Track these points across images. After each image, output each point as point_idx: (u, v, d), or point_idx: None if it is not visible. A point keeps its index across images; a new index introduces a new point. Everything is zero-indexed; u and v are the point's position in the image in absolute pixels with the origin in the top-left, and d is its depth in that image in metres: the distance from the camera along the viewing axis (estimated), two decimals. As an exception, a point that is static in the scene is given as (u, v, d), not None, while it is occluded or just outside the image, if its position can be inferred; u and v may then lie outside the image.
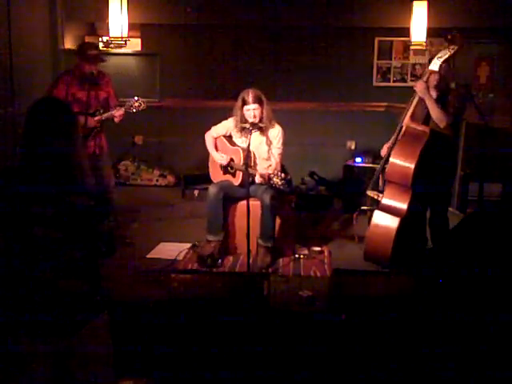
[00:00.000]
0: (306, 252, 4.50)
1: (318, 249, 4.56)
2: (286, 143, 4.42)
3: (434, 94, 4.03)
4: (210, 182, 4.67)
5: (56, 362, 2.07)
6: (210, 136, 4.57)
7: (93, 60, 4.50)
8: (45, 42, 6.09)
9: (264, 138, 4.35)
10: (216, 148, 4.56)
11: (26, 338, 2.02)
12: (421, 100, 4.02)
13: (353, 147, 6.61)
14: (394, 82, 6.55)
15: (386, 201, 4.06)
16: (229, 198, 4.37)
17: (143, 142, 6.76)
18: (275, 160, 4.34)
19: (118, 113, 4.55)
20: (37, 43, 5.92)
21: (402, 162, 3.97)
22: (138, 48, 6.72)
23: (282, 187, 3.98)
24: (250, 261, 3.85)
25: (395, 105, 5.98)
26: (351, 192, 5.70)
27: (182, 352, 3.02)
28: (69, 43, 6.45)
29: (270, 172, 4.08)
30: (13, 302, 2.01)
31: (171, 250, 4.49)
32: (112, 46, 5.40)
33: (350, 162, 6.11)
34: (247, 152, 4.00)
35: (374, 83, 6.58)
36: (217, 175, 4.59)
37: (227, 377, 2.94)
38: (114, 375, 2.30)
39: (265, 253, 4.24)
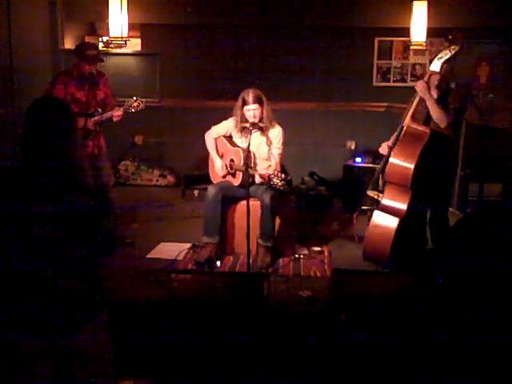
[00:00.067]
0: (305, 252, 4.50)
1: (317, 249, 4.57)
2: (285, 143, 4.43)
3: (434, 94, 4.03)
4: (209, 181, 4.68)
5: (56, 362, 2.07)
6: (210, 136, 4.57)
7: (92, 60, 4.49)
8: (45, 42, 6.08)
9: (264, 138, 4.35)
10: (216, 148, 4.56)
11: (26, 338, 2.03)
12: (421, 100, 4.02)
13: (353, 147, 6.60)
14: (393, 82, 6.55)
15: (385, 201, 4.06)
16: (229, 198, 4.38)
17: (143, 142, 6.75)
18: (275, 160, 4.34)
19: (116, 113, 4.55)
20: (37, 43, 5.92)
21: (401, 163, 3.97)
22: (138, 48, 6.72)
23: (281, 187, 3.98)
24: (250, 261, 3.85)
25: (395, 105, 5.98)
26: (351, 192, 5.70)
27: (182, 352, 3.02)
28: (69, 43, 6.44)
29: (270, 172, 4.08)
30: (13, 301, 2.01)
31: (171, 249, 4.50)
32: (112, 45, 5.40)
33: (350, 162, 6.11)
34: (247, 152, 4.00)
35: (374, 83, 6.57)
36: (216, 175, 4.59)
37: (227, 377, 2.94)
38: (114, 375, 2.30)
39: (265, 253, 4.24)
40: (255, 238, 4.21)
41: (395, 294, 3.29)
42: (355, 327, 3.11)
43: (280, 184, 3.96)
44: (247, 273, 3.79)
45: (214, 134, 4.56)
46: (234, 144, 4.47)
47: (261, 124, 4.26)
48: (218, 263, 4.19)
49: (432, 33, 5.64)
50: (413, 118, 4.06)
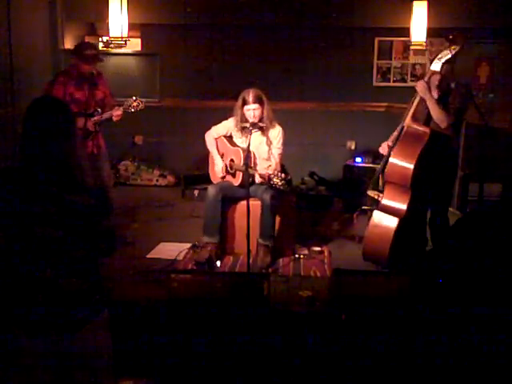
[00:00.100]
0: (306, 252, 4.50)
1: (317, 249, 4.56)
2: (286, 143, 4.43)
3: (435, 94, 4.03)
4: (209, 181, 4.68)
5: (56, 362, 2.07)
6: (210, 136, 4.57)
7: (91, 60, 4.49)
8: (45, 42, 6.09)
9: (264, 138, 4.35)
10: (217, 148, 4.56)
11: (26, 338, 2.02)
12: (422, 100, 4.02)
13: (353, 147, 6.60)
14: (393, 82, 6.55)
15: (385, 201, 4.06)
16: (229, 198, 4.37)
17: (143, 142, 6.75)
18: (275, 160, 4.34)
19: (116, 113, 4.56)
20: (37, 43, 5.92)
21: (401, 163, 3.97)
22: (138, 48, 6.72)
23: (281, 187, 3.98)
24: (250, 261, 3.85)
25: (395, 105, 5.98)
26: (351, 192, 5.70)
27: (182, 352, 3.02)
28: (69, 43, 6.44)
29: (270, 172, 4.08)
30: (13, 301, 2.01)
31: (171, 250, 4.49)
32: (112, 45, 5.40)
33: (350, 162, 6.11)
34: (247, 152, 4.00)
35: (374, 83, 6.57)
36: (216, 175, 4.59)
37: (227, 377, 2.94)
38: (114, 375, 2.30)
39: (265, 253, 4.24)
40: (255, 238, 4.21)
41: (395, 294, 3.29)
42: (355, 327, 3.11)
43: (280, 184, 3.96)
44: (247, 273, 3.78)
45: (214, 134, 4.56)
46: (234, 144, 4.47)
47: (261, 124, 4.26)
48: (218, 263, 4.19)
49: (432, 33, 5.64)
50: (413, 118, 4.06)
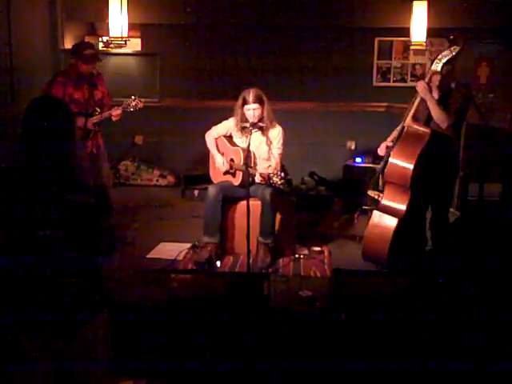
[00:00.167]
0: (306, 252, 4.50)
1: (318, 249, 4.56)
2: (286, 143, 4.43)
3: (435, 94, 4.03)
4: (209, 181, 4.68)
5: (56, 362, 2.07)
6: (210, 136, 4.57)
7: (90, 60, 4.49)
8: (45, 42, 6.09)
9: (264, 138, 4.35)
10: (217, 148, 4.56)
11: (26, 338, 2.02)
12: (422, 101, 4.02)
13: (353, 147, 6.60)
14: (393, 82, 6.55)
15: (385, 201, 4.05)
16: (229, 198, 4.37)
17: (143, 142, 6.75)
18: (275, 160, 4.34)
19: (115, 112, 4.57)
20: (37, 43, 5.92)
21: (401, 163, 3.96)
22: (138, 48, 6.72)
23: (281, 187, 3.99)
24: (250, 261, 3.85)
25: (395, 105, 5.98)
26: (351, 192, 5.70)
27: (182, 352, 3.01)
28: (69, 43, 6.44)
29: (270, 172, 4.08)
30: (13, 301, 2.01)
31: (171, 249, 4.49)
32: (112, 45, 5.39)
33: (350, 162, 6.11)
34: (247, 152, 4.00)
35: (374, 83, 6.57)
36: (217, 175, 4.59)
37: (227, 377, 2.94)
38: (114, 375, 2.30)
39: (265, 253, 4.24)
40: (255, 238, 4.21)
41: (395, 294, 3.29)
42: (355, 327, 3.11)
43: (280, 183, 3.96)
44: (247, 273, 3.78)
45: (214, 134, 4.56)
46: (234, 144, 4.47)
47: (261, 124, 4.26)
48: (218, 263, 4.19)
49: (432, 33, 5.64)
50: (414, 118, 4.06)
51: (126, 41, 5.34)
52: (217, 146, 4.56)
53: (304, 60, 6.49)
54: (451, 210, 4.66)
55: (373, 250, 4.07)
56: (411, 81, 6.40)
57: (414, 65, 6.52)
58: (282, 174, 3.98)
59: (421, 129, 4.01)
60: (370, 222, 4.11)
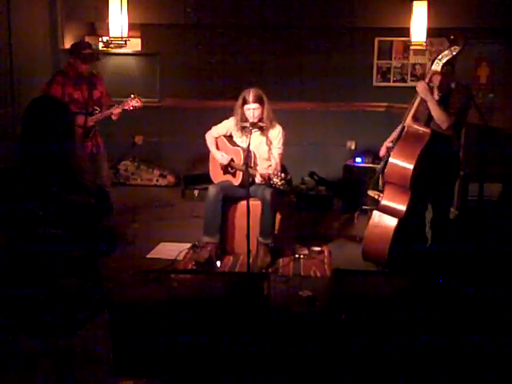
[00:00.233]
0: (306, 252, 4.50)
1: (317, 249, 4.56)
2: (286, 143, 4.43)
3: (436, 95, 4.02)
4: (210, 181, 4.68)
5: (56, 362, 2.07)
6: (210, 136, 4.57)
7: (88, 59, 4.50)
8: (45, 42, 6.09)
9: (264, 138, 4.35)
10: (217, 148, 4.56)
11: (26, 338, 2.02)
12: (423, 101, 4.01)
13: (353, 147, 6.60)
14: (393, 82, 6.55)
15: (385, 201, 4.05)
16: (229, 198, 4.37)
17: (143, 141, 6.75)
18: (275, 160, 4.34)
19: (115, 111, 4.58)
20: (37, 43, 5.92)
21: (401, 163, 3.96)
22: (138, 48, 6.72)
23: (281, 187, 3.99)
24: (250, 261, 3.85)
25: (395, 105, 5.98)
26: (351, 192, 5.70)
27: (182, 352, 3.01)
28: (69, 43, 6.42)
29: (270, 172, 4.08)
30: (13, 301, 2.01)
31: (171, 249, 4.49)
32: (112, 45, 5.40)
33: (350, 162, 6.10)
34: (247, 152, 4.00)
35: (374, 83, 6.57)
36: (217, 175, 4.59)
37: (227, 377, 2.94)
38: (114, 375, 2.30)
39: (265, 253, 4.24)
40: (255, 238, 4.21)
41: (395, 294, 3.29)
42: (355, 327, 3.11)
43: (280, 183, 3.96)
44: (247, 273, 3.78)
45: (214, 134, 4.56)
46: (234, 143, 4.47)
47: (261, 124, 4.26)
48: (218, 263, 4.19)
49: (432, 33, 5.64)
50: (414, 118, 4.05)
51: (126, 41, 5.34)
52: (217, 145, 4.56)
53: (304, 60, 6.49)
54: (451, 209, 4.66)
55: (373, 250, 4.07)
56: (411, 81, 6.40)
57: (414, 65, 6.52)
58: (282, 175, 3.98)
59: (421, 129, 4.00)
60: (370, 222, 4.11)
